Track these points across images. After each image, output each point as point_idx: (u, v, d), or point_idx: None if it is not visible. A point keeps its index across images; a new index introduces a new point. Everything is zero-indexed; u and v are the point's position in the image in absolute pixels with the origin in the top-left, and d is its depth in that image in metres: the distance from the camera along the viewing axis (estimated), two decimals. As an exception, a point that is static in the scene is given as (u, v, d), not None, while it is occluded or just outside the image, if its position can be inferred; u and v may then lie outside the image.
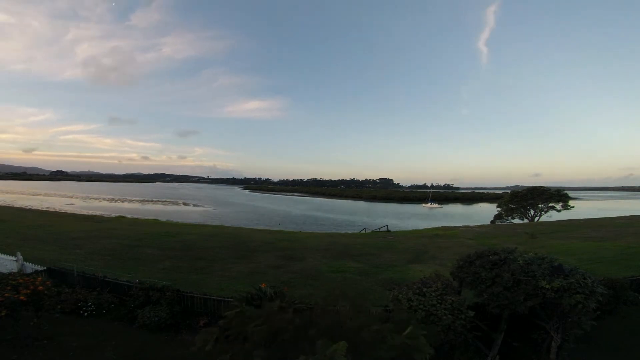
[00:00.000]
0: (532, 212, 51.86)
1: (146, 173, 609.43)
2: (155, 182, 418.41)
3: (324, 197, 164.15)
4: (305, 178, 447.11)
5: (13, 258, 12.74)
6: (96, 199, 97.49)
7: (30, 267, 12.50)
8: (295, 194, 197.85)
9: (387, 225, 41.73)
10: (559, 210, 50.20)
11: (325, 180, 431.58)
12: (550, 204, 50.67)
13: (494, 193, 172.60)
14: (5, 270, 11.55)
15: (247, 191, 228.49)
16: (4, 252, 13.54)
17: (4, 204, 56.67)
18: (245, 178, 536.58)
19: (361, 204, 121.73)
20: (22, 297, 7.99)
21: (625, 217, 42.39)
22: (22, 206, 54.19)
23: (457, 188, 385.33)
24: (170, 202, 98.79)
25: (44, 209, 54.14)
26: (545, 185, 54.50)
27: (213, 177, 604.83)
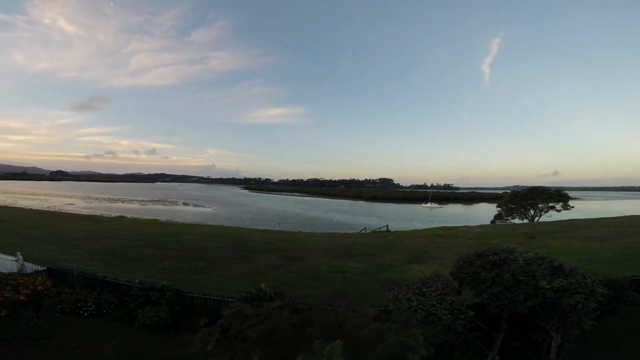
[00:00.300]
0: (532, 212, 51.88)
1: (146, 173, 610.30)
2: (155, 182, 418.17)
3: (324, 197, 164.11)
4: (305, 178, 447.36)
5: (13, 258, 12.74)
6: (96, 199, 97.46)
7: (30, 267, 12.50)
8: (295, 194, 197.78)
9: (387, 225, 41.74)
10: (558, 210, 50.22)
11: (325, 180, 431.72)
12: (550, 204, 50.68)
13: (494, 193, 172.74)
14: (5, 270, 11.56)
15: (246, 191, 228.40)
16: (4, 252, 13.54)
17: (4, 204, 56.69)
18: (245, 178, 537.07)
19: (361, 204, 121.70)
20: (22, 297, 7.99)
21: (625, 217, 42.40)
22: (22, 206, 54.21)
23: (457, 188, 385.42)
24: (170, 202, 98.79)
25: (44, 209, 54.14)
26: (545, 186, 54.56)
27: (213, 177, 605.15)
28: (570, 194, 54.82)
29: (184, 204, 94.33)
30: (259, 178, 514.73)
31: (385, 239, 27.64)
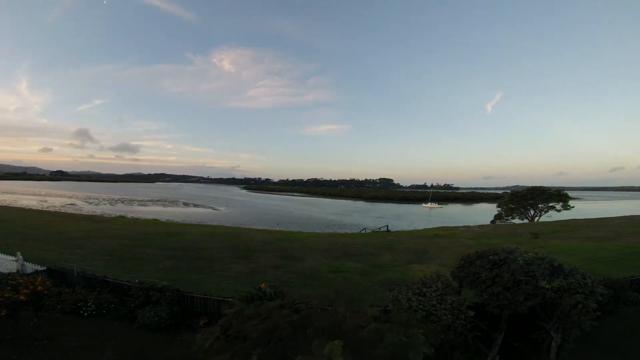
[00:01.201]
0: (532, 212, 51.86)
1: (146, 173, 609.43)
2: (155, 182, 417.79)
3: (324, 197, 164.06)
4: (305, 178, 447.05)
5: (13, 258, 12.74)
6: (96, 198, 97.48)
7: (30, 267, 12.50)
8: (295, 194, 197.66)
9: (387, 225, 41.74)
10: (558, 210, 50.19)
11: (325, 180, 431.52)
12: (550, 204, 50.67)
13: (494, 193, 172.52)
14: (5, 270, 11.56)
15: (244, 191, 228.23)
16: (4, 252, 13.55)
17: (4, 204, 56.69)
18: (245, 178, 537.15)
19: (361, 204, 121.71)
20: (22, 297, 8.00)
21: (625, 217, 42.39)
22: (22, 206, 54.21)
23: (457, 188, 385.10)
24: (171, 202, 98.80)
25: (44, 209, 54.14)
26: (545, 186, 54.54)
27: (213, 177, 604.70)
28: (571, 194, 54.81)
29: (184, 204, 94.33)
30: (259, 178, 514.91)
31: (385, 239, 27.64)
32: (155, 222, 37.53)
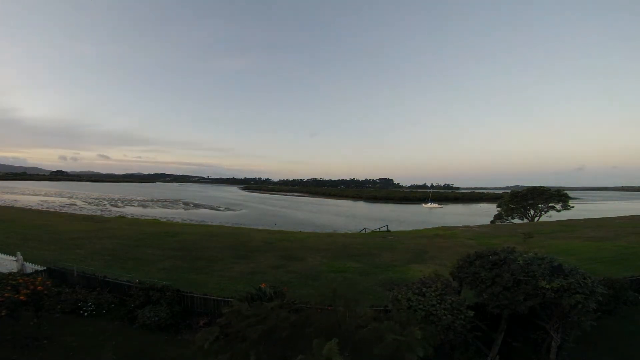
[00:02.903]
0: (532, 212, 51.85)
1: (146, 173, 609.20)
2: (155, 182, 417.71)
3: (324, 197, 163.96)
4: (305, 178, 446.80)
5: (13, 258, 12.75)
6: (96, 198, 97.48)
7: (30, 267, 12.50)
8: (295, 194, 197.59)
9: (387, 225, 41.72)
10: (558, 210, 50.17)
11: (325, 180, 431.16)
12: (550, 204, 50.65)
13: (494, 193, 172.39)
14: (5, 270, 11.56)
15: (242, 191, 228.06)
16: (4, 252, 13.55)
17: (4, 204, 56.70)
18: (245, 178, 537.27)
19: (361, 204, 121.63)
20: (22, 297, 8.00)
21: (625, 217, 42.37)
22: (23, 206, 54.23)
23: (457, 188, 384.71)
24: (170, 202, 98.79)
25: (44, 209, 54.12)
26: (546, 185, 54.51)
27: (213, 177, 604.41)
28: (571, 194, 54.78)
29: (184, 204, 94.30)
30: (259, 178, 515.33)
31: (385, 239, 27.63)
32: (155, 222, 37.54)
